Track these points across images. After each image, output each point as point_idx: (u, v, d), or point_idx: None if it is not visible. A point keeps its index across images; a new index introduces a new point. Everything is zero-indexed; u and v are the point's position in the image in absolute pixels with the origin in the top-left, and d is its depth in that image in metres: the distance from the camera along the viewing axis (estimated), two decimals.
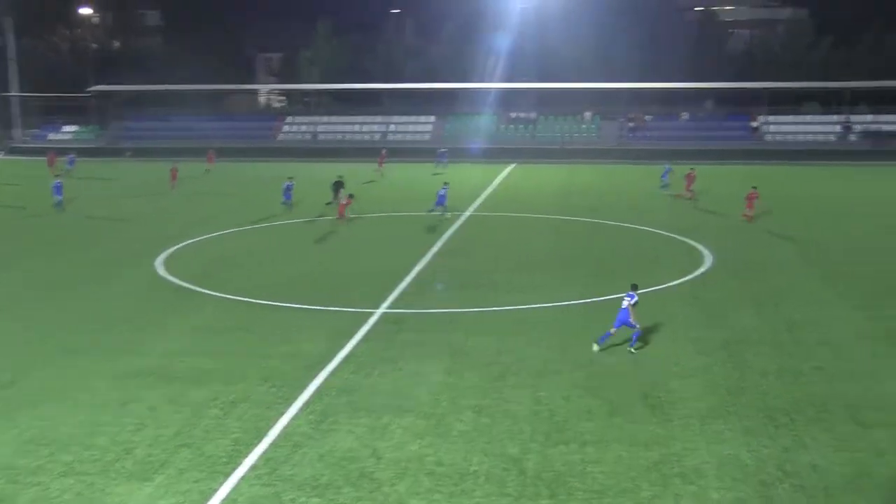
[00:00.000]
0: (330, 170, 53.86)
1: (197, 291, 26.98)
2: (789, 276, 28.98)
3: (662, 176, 52.51)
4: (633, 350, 20.68)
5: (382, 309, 24.65)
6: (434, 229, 37.68)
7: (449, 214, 40.80)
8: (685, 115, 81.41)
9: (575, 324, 23.22)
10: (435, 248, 33.67)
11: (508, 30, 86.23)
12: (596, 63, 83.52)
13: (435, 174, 47.65)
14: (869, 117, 78.08)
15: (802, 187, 53.20)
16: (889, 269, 29.88)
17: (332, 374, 19.24)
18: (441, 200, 40.85)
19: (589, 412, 16.98)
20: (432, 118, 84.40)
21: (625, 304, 20.68)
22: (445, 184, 42.41)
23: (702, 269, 29.70)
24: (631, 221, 39.87)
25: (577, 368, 19.55)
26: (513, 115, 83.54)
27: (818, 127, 77.99)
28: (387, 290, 26.61)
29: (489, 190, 51.94)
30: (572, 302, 25.46)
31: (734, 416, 16.68)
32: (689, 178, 47.99)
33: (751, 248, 33.75)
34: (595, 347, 20.77)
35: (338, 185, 43.94)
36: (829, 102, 79.44)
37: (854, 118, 77.88)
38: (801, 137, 76.77)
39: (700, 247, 33.52)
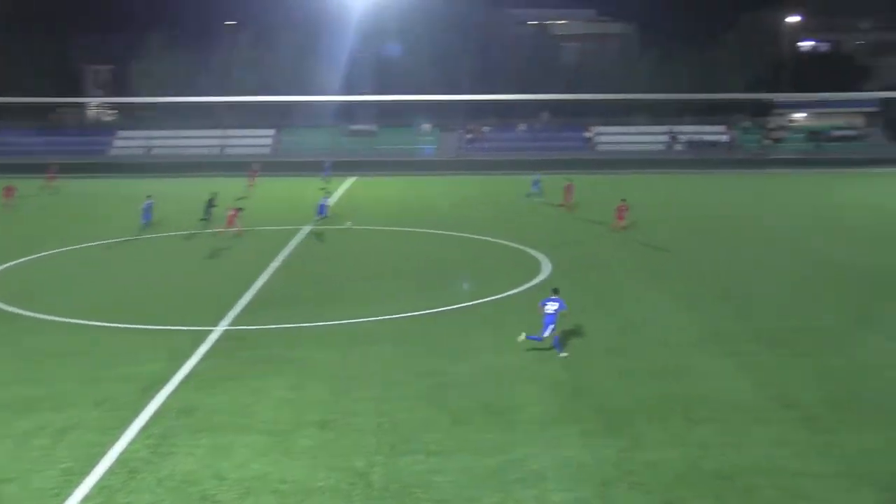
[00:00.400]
0: (187, 186, 52.39)
1: (24, 315, 25.61)
2: (625, 280, 30.13)
3: (532, 186, 53.67)
4: (565, 355, 21.13)
5: (223, 326, 24.10)
6: (278, 244, 37.16)
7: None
8: (522, 127, 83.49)
9: (416, 335, 23.36)
10: (276, 263, 33.21)
11: (347, 42, 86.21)
12: (434, 75, 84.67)
13: (322, 188, 47.34)
14: (692, 128, 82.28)
15: (633, 195, 55.40)
16: (716, 270, 31.51)
17: (171, 395, 18.63)
18: (322, 210, 43.08)
19: (433, 422, 17.10)
20: (272, 131, 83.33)
21: (549, 309, 21.20)
22: (327, 193, 44.52)
23: (540, 277, 30.47)
24: (471, 232, 40.50)
25: (420, 379, 19.66)
26: (353, 127, 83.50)
27: (647, 137, 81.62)
28: (228, 307, 26.04)
29: (330, 203, 51.63)
30: (414, 313, 25.60)
31: (574, 420, 17.17)
32: (568, 189, 49.00)
33: (586, 254, 34.89)
34: (521, 336, 21.39)
35: (211, 202, 43.63)
36: (656, 114, 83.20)
37: (679, 129, 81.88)
38: (631, 147, 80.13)
39: (538, 255, 34.39)
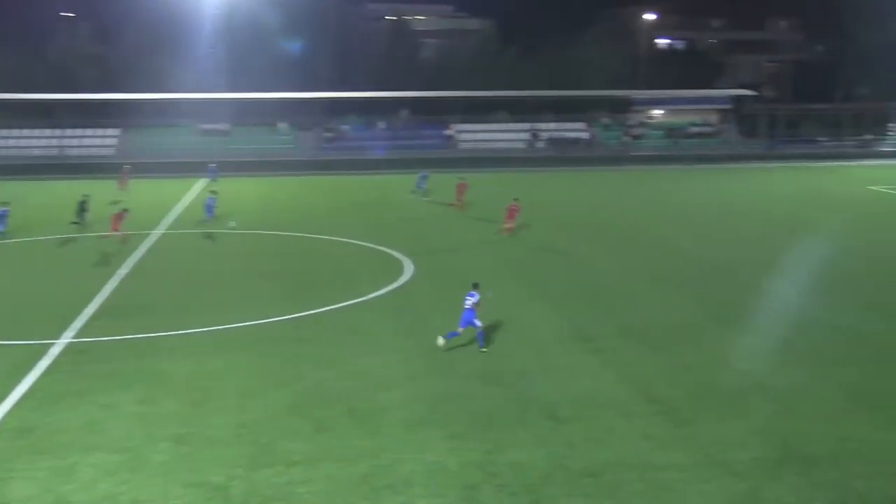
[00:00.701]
0: (40, 189, 49.97)
1: None
2: (488, 280, 30.51)
3: (418, 184, 53.90)
4: (484, 349, 21.85)
5: (66, 338, 23.19)
6: (129, 248, 35.95)
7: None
8: (382, 125, 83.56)
9: (276, 341, 23.10)
10: (124, 270, 32.16)
11: (197, 38, 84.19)
12: (289, 72, 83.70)
13: (212, 191, 46.12)
14: (553, 125, 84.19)
15: (495, 193, 56.21)
16: (581, 268, 32.37)
17: (8, 414, 17.82)
18: (209, 210, 43.10)
19: (295, 431, 16.95)
20: (116, 131, 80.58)
21: (468, 303, 21.85)
22: (212, 192, 45.09)
23: (403, 279, 30.60)
24: (331, 234, 40.27)
25: (281, 387, 19.46)
26: (205, 126, 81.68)
27: (508, 135, 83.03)
28: (71, 318, 25.06)
29: (181, 206, 50.42)
30: (272, 319, 25.29)
31: (440, 423, 17.34)
32: (460, 188, 48.99)
33: (449, 255, 35.23)
34: (440, 341, 21.87)
35: (83, 205, 42.13)
36: (517, 111, 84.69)
37: (540, 126, 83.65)
38: (492, 145, 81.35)
39: (400, 256, 34.51)
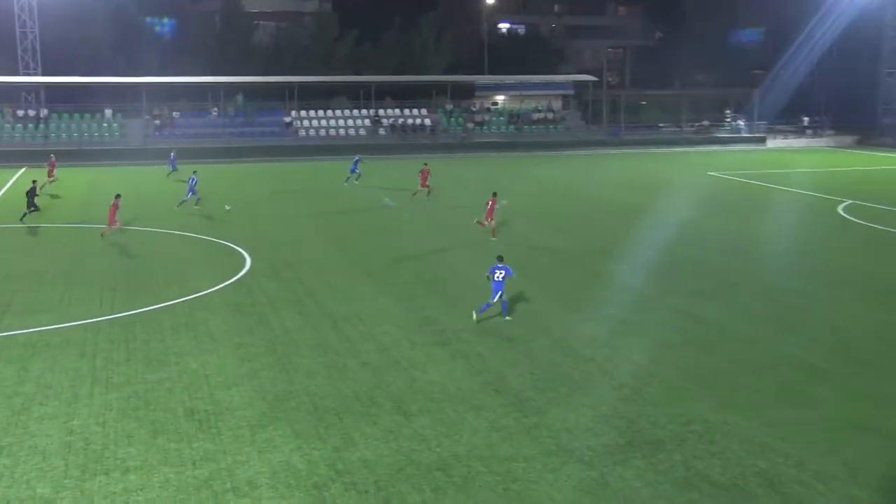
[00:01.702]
0: None
1: None
2: (330, 272, 30.54)
3: (352, 168, 54.21)
4: (475, 316, 24.06)
5: None
6: None
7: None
8: (215, 111, 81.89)
9: (105, 342, 22.41)
10: None
11: (9, 17, 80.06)
12: (114, 56, 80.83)
13: (180, 179, 44.05)
14: (395, 111, 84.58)
15: (339, 181, 56.12)
16: (428, 259, 32.72)
17: None
18: (192, 189, 44.00)
19: (129, 436, 16.53)
20: None
21: (498, 276, 23.98)
22: (194, 172, 45.59)
23: (241, 273, 30.20)
24: (164, 227, 39.28)
25: (113, 390, 18.92)
26: (19, 113, 77.99)
27: (349, 122, 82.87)
28: None
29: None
30: (101, 318, 24.51)
31: (284, 422, 17.26)
32: (424, 174, 48.12)
33: (288, 246, 34.97)
34: (475, 316, 23.98)
35: (32, 192, 41.20)
36: (358, 97, 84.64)
37: (382, 112, 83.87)
38: (332, 132, 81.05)
39: (239, 249, 34.03)
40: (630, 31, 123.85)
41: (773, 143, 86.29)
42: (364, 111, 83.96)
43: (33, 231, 38.53)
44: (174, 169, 58.04)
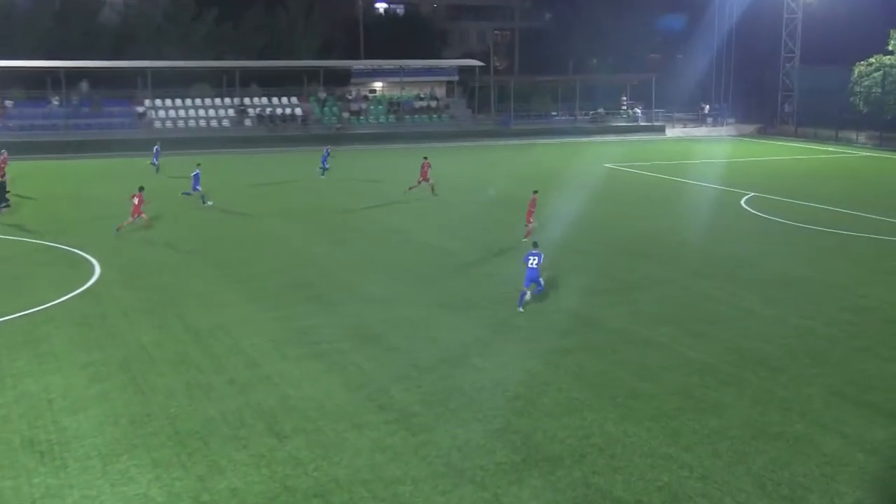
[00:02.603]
0: None
1: None
2: (191, 279, 29.98)
3: (323, 160, 55.69)
4: (521, 310, 25.87)
5: None
6: None
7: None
8: (56, 101, 79.52)
9: None
10: None
11: None
12: None
13: (198, 163, 42.68)
14: (263, 100, 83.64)
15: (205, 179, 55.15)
16: (302, 263, 32.42)
17: None
18: (196, 184, 44.43)
19: None
20: None
21: (532, 262, 25.92)
22: (198, 165, 45.70)
23: (90, 281, 29.41)
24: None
25: None
26: None
27: (211, 111, 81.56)
28: None
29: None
30: None
31: (141, 449, 16.84)
32: (425, 168, 47.82)
33: (144, 253, 34.22)
34: (520, 310, 25.90)
35: (2, 187, 42.76)
36: (220, 84, 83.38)
37: (248, 101, 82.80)
38: (192, 123, 79.64)
39: (87, 255, 33.13)
40: (518, 11, 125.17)
41: (672, 132, 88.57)
42: (228, 100, 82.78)
43: None
44: (156, 164, 56.52)
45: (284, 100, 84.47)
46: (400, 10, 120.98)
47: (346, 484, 15.58)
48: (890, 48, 75.18)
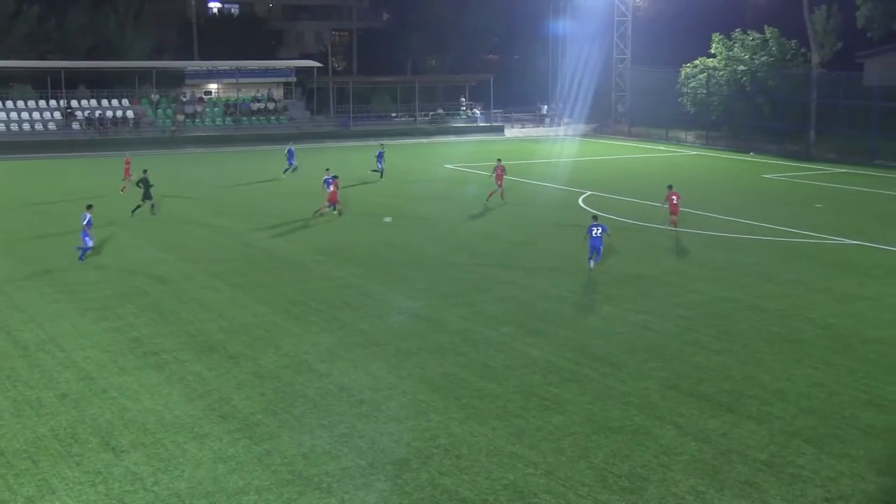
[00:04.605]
0: None
1: None
2: (14, 290, 28.83)
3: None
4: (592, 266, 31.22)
5: None
6: None
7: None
8: None
9: None
10: None
11: None
12: None
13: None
14: (92, 102, 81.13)
15: (22, 185, 53.16)
16: (122, 269, 31.57)
17: None
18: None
19: None
20: None
21: (595, 233, 30.81)
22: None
23: None
24: None
25: None
26: None
27: (35, 114, 78.64)
28: None
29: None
30: None
31: None
32: (499, 173, 46.30)
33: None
34: (591, 265, 31.27)
35: None
36: (44, 85, 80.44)
37: (75, 104, 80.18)
38: (14, 127, 76.61)
39: None
40: (356, 11, 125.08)
41: (511, 132, 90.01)
42: (53, 102, 79.97)
43: None
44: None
45: (115, 102, 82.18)
46: (235, 9, 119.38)
47: (187, 497, 15.29)
48: (713, 51, 78.21)
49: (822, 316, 26.57)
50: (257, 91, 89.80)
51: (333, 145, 78.50)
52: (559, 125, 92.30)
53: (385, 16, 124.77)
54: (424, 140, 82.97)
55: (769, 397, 20.12)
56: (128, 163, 50.08)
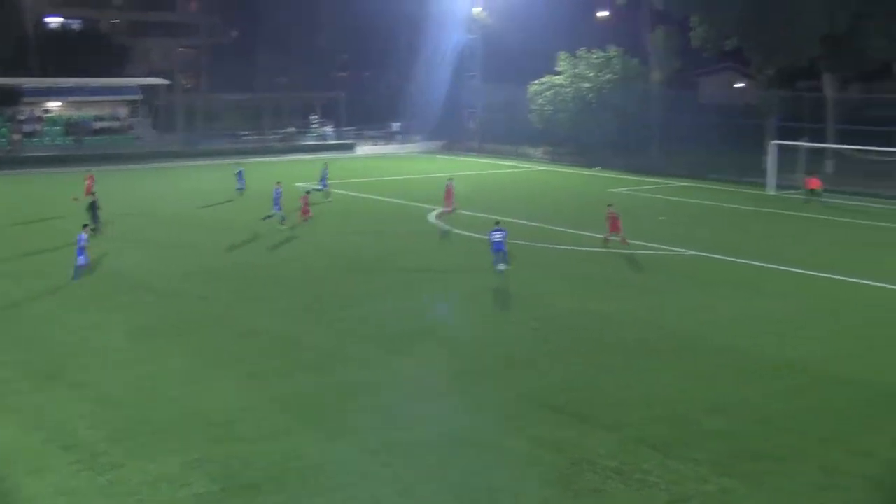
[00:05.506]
0: None
1: None
2: None
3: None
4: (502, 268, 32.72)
5: None
6: None
7: None
8: None
9: None
10: None
11: None
12: None
13: None
14: None
15: None
16: None
17: None
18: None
19: None
20: None
21: (498, 237, 32.74)
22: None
23: None
24: None
25: None
26: None
27: None
28: None
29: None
30: None
31: None
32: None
33: None
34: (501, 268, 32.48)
35: None
36: None
37: None
38: None
39: None
40: (204, 28, 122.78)
41: (363, 149, 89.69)
42: None
43: None
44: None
45: None
46: (76, 24, 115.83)
47: None
48: (559, 69, 79.68)
49: (669, 324, 27.27)
50: (101, 109, 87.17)
51: (182, 164, 76.84)
52: (411, 142, 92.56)
53: (234, 33, 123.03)
54: (275, 158, 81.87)
55: (620, 405, 20.48)
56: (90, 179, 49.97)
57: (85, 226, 34.22)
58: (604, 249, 38.58)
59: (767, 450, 18.13)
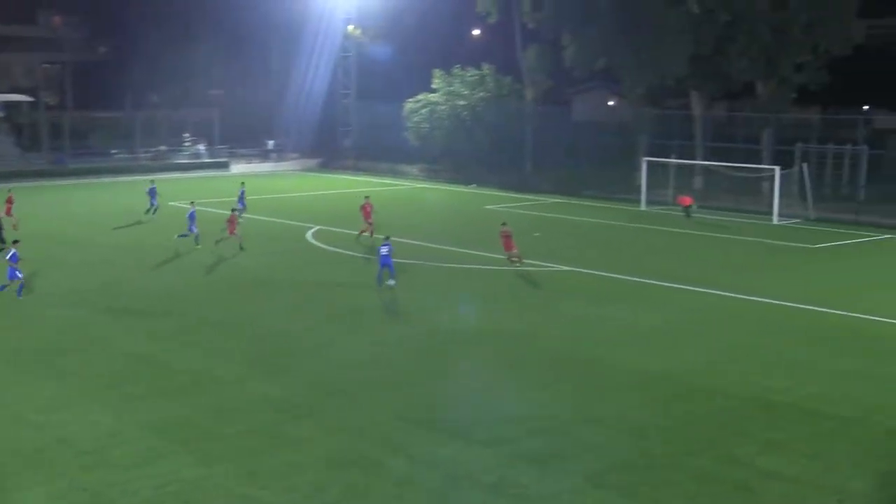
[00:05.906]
0: None
1: None
2: None
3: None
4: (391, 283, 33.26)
5: None
6: None
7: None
8: None
9: None
10: None
11: None
12: None
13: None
14: None
15: None
16: None
17: None
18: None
19: None
20: None
21: (384, 251, 33.15)
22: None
23: None
24: None
25: None
26: None
27: None
28: None
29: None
30: None
31: None
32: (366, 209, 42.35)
33: None
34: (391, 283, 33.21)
35: None
36: None
37: None
38: None
39: None
40: (69, 44, 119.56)
41: (237, 167, 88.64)
42: None
43: None
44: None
45: None
46: None
47: None
48: (434, 86, 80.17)
49: (545, 339, 27.71)
50: None
51: (50, 184, 74.77)
52: (286, 160, 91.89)
53: (102, 49, 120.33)
54: (147, 177, 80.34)
55: (498, 421, 20.72)
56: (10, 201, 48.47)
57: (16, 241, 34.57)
58: (480, 266, 38.96)
59: (642, 460, 18.59)
